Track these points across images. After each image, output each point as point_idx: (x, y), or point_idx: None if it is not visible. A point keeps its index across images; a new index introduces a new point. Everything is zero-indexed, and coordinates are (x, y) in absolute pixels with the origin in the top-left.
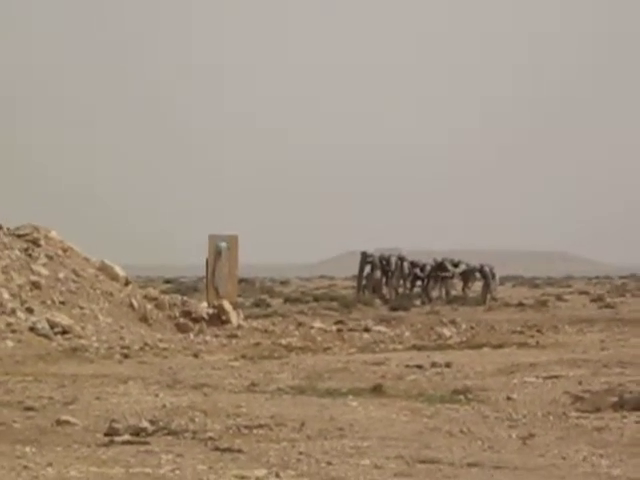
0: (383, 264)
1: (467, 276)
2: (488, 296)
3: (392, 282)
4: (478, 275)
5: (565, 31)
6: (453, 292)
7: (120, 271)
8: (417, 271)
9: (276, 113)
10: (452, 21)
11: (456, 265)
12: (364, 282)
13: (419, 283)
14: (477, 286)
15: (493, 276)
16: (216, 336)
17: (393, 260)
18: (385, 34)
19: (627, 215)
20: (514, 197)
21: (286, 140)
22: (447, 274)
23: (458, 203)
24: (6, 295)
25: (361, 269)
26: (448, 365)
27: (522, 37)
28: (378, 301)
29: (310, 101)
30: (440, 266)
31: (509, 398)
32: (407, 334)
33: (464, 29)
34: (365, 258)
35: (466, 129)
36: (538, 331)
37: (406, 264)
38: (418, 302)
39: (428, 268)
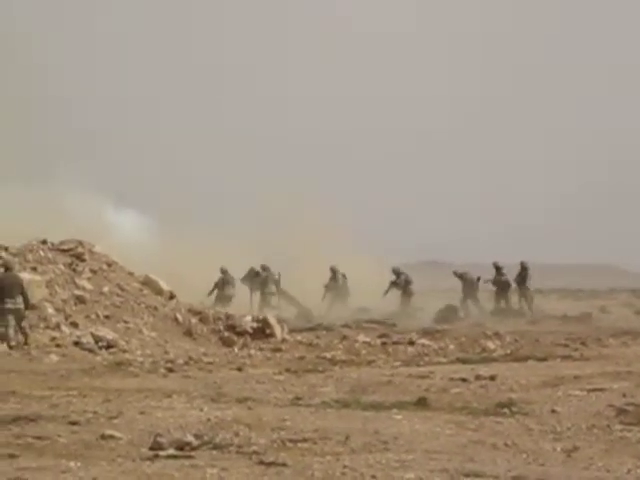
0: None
1: (503, 287)
2: (529, 306)
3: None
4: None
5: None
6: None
7: (164, 285)
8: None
9: None
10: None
11: (499, 269)
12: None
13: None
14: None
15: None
16: (260, 350)
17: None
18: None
19: None
20: (559, 210)
21: None
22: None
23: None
24: (50, 310)
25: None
26: (492, 378)
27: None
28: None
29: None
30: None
31: (553, 411)
32: (451, 347)
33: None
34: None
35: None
36: (582, 344)
37: None
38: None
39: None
